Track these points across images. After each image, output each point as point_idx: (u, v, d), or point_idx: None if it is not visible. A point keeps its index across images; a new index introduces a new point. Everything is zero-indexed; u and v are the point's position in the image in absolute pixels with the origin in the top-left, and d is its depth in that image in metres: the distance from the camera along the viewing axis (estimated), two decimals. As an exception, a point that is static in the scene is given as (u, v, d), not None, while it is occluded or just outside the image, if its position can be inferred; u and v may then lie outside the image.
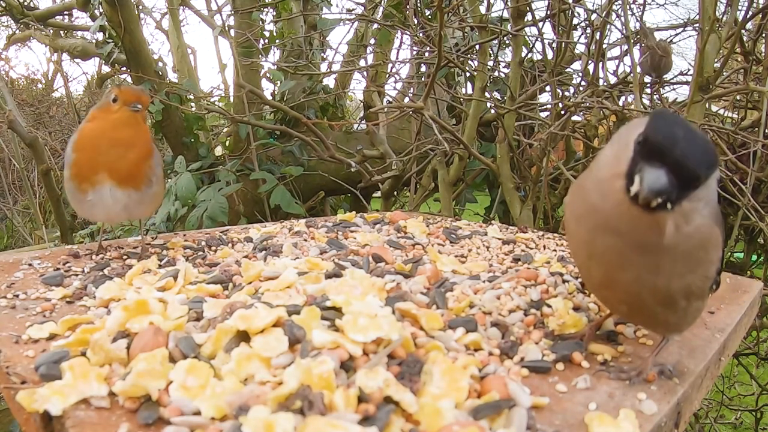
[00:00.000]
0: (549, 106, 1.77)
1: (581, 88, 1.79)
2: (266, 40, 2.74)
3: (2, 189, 5.07)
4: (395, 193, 2.31)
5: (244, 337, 0.50)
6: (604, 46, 1.74)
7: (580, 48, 2.02)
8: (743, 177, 1.45)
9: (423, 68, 2.26)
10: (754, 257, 1.93)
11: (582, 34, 2.10)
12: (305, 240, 0.95)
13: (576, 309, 0.66)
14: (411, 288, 0.67)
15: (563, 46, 1.65)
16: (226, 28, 2.47)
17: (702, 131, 0.48)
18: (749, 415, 2.28)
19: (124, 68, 2.81)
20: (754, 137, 1.45)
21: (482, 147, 2.09)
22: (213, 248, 0.92)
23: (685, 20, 2.42)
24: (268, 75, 2.68)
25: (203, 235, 1.00)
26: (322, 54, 2.85)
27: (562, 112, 1.60)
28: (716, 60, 1.41)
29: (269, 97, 2.48)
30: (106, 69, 4.00)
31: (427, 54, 2.10)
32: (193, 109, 2.52)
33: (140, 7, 3.15)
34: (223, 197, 1.99)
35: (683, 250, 0.48)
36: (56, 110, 5.60)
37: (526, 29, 1.74)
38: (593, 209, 0.50)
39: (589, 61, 1.69)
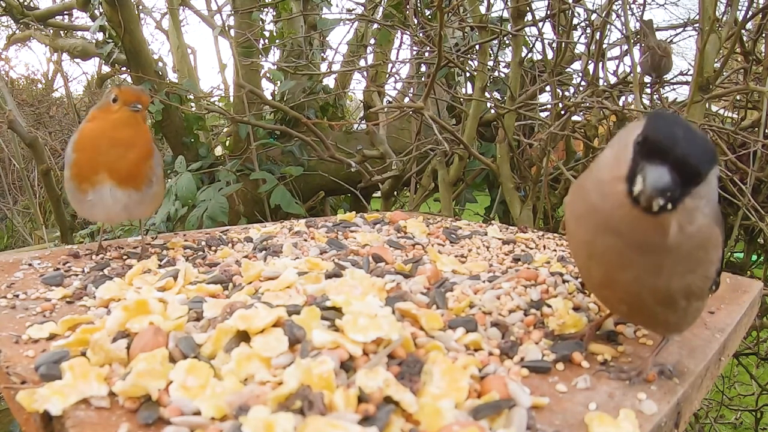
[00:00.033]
0: (549, 106, 1.77)
1: (581, 88, 1.79)
2: (266, 40, 2.74)
3: (2, 189, 5.07)
4: (395, 193, 2.31)
5: (244, 337, 0.50)
6: (604, 46, 1.74)
7: (580, 48, 2.02)
8: (743, 177, 1.45)
9: (423, 68, 2.26)
10: (754, 257, 1.93)
11: (582, 34, 2.10)
12: (305, 240, 0.95)
13: (576, 309, 0.66)
14: (411, 288, 0.67)
15: (563, 46, 1.65)
16: (226, 28, 2.47)
17: (700, 130, 0.48)
18: (749, 415, 2.28)
19: (124, 68, 2.81)
20: (754, 137, 1.45)
21: (482, 147, 2.09)
22: (213, 248, 0.92)
23: (685, 20, 2.43)
24: (268, 75, 2.68)
25: (203, 235, 1.00)
26: (322, 54, 2.85)
27: (562, 112, 1.60)
28: (716, 60, 1.42)
29: (269, 97, 2.48)
30: (106, 69, 4.00)
31: (427, 54, 2.10)
32: (193, 109, 2.52)
33: (140, 7, 3.16)
34: (223, 197, 1.99)
35: (684, 250, 0.48)
36: (56, 110, 5.61)
37: (526, 29, 1.74)
38: (593, 210, 0.50)
39: (589, 61, 1.69)
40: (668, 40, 2.08)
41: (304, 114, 2.36)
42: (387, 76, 2.74)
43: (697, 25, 1.71)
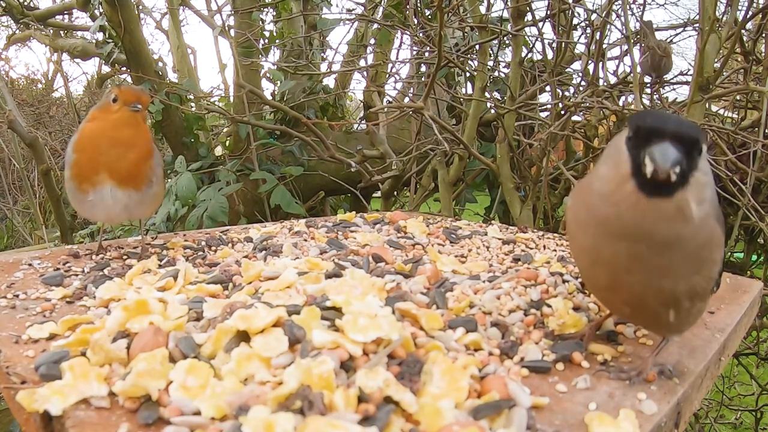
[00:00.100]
0: (549, 106, 1.77)
1: (581, 88, 1.79)
2: (266, 40, 2.74)
3: (2, 189, 5.07)
4: (395, 193, 2.31)
5: (244, 337, 0.50)
6: (604, 46, 1.74)
7: (580, 48, 2.02)
8: (743, 177, 1.45)
9: (423, 68, 2.26)
10: (754, 257, 1.93)
11: (582, 34, 2.10)
12: (305, 240, 0.95)
13: (576, 309, 0.66)
14: (411, 288, 0.67)
15: (563, 46, 1.65)
16: (226, 28, 2.47)
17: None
18: (749, 415, 2.28)
19: (124, 68, 2.81)
20: (754, 137, 1.45)
21: (482, 147, 2.09)
22: (213, 248, 0.92)
23: (685, 20, 2.43)
24: (268, 75, 2.68)
25: (203, 235, 1.00)
26: (322, 54, 2.85)
27: (562, 112, 1.60)
28: (716, 60, 1.41)
29: (269, 97, 2.48)
30: (106, 69, 4.00)
31: (427, 54, 2.10)
32: (193, 109, 2.52)
33: (140, 7, 3.15)
34: (223, 197, 1.99)
35: (694, 246, 0.48)
36: (56, 110, 5.60)
37: (526, 29, 1.74)
38: (601, 219, 0.50)
39: (589, 61, 1.69)
40: (668, 40, 2.07)
41: (304, 114, 2.36)
42: (387, 76, 2.74)
43: (697, 25, 1.71)
